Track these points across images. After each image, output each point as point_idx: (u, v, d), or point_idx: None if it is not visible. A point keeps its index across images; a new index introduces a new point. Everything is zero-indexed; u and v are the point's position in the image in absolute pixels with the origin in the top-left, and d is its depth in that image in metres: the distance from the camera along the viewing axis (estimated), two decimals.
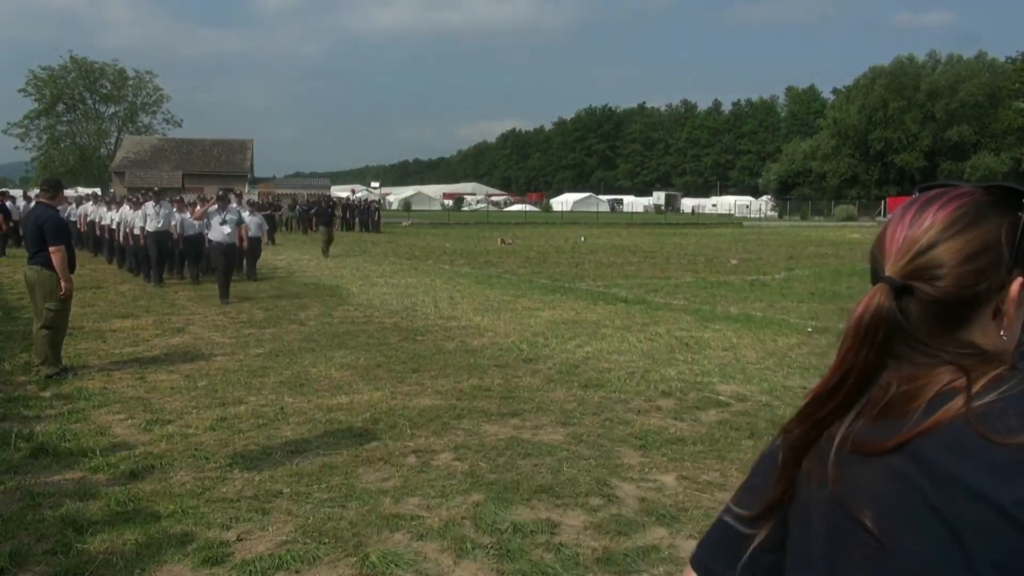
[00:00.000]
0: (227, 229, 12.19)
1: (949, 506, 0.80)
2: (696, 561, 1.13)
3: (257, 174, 63.37)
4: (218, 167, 56.24)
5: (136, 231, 14.59)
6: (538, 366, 7.56)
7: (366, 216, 36.62)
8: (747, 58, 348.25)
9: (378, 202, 44.64)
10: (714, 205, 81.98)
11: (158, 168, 54.18)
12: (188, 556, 3.58)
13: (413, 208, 65.14)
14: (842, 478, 0.88)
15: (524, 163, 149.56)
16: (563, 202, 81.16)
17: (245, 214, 14.08)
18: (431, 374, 7.21)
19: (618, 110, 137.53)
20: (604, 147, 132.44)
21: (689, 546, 3.70)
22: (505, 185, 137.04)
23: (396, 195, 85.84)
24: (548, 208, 77.15)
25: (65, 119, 71.00)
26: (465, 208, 77.30)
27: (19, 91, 67.50)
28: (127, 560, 3.53)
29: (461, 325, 9.94)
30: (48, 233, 7.00)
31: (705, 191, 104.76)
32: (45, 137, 69.96)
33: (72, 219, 20.89)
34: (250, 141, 60.78)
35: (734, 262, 20.71)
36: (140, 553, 3.60)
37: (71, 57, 69.56)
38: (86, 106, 71.67)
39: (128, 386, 6.73)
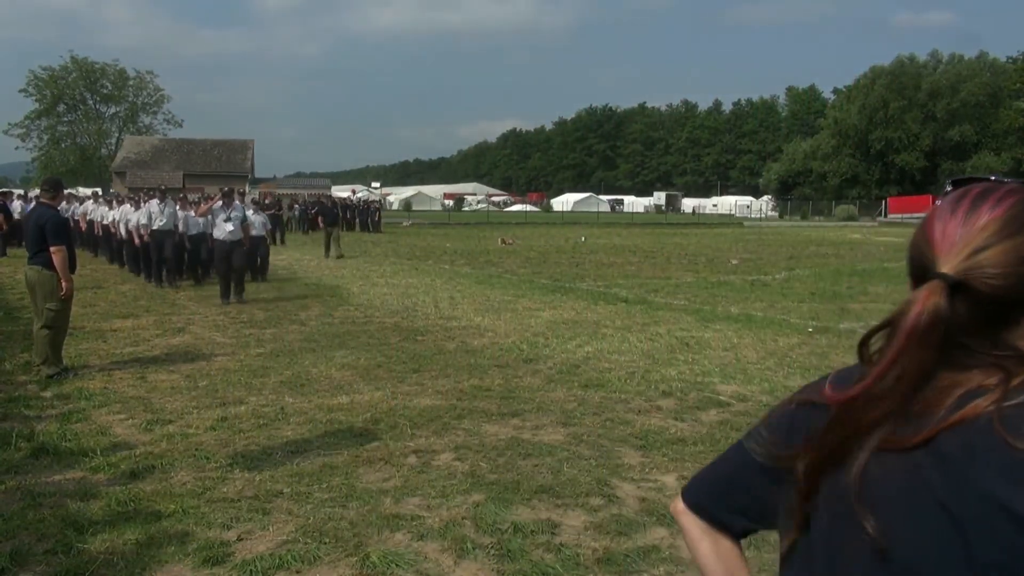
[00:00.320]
0: (231, 227, 12.06)
1: (958, 503, 0.81)
2: (691, 499, 1.14)
3: (258, 174, 63.38)
4: (219, 167, 56.30)
5: (141, 230, 14.37)
6: (538, 366, 7.56)
7: (366, 216, 36.63)
8: (748, 58, 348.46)
9: (379, 202, 44.63)
10: (715, 205, 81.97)
11: (159, 168, 54.23)
12: (189, 556, 3.58)
13: (414, 208, 65.11)
14: (861, 472, 0.88)
15: (525, 163, 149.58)
16: (564, 202, 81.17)
17: (249, 212, 13.83)
18: (431, 374, 7.21)
19: (619, 110, 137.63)
20: (605, 147, 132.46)
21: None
22: (506, 185, 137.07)
23: (397, 195, 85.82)
24: (549, 208, 77.13)
25: (66, 119, 71.14)
26: (466, 208, 77.29)
27: (20, 91, 67.64)
28: (127, 560, 3.53)
29: (461, 325, 9.94)
30: (49, 233, 7.00)
31: (706, 191, 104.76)
32: (46, 137, 70.11)
33: (75, 219, 20.89)
34: (251, 141, 60.87)
35: (735, 262, 20.71)
36: (140, 553, 3.60)
37: (72, 57, 69.75)
38: (87, 106, 71.78)
39: (129, 386, 6.74)
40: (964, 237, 0.87)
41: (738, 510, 1.09)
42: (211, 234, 12.86)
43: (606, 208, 79.62)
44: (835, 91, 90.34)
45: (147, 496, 4.27)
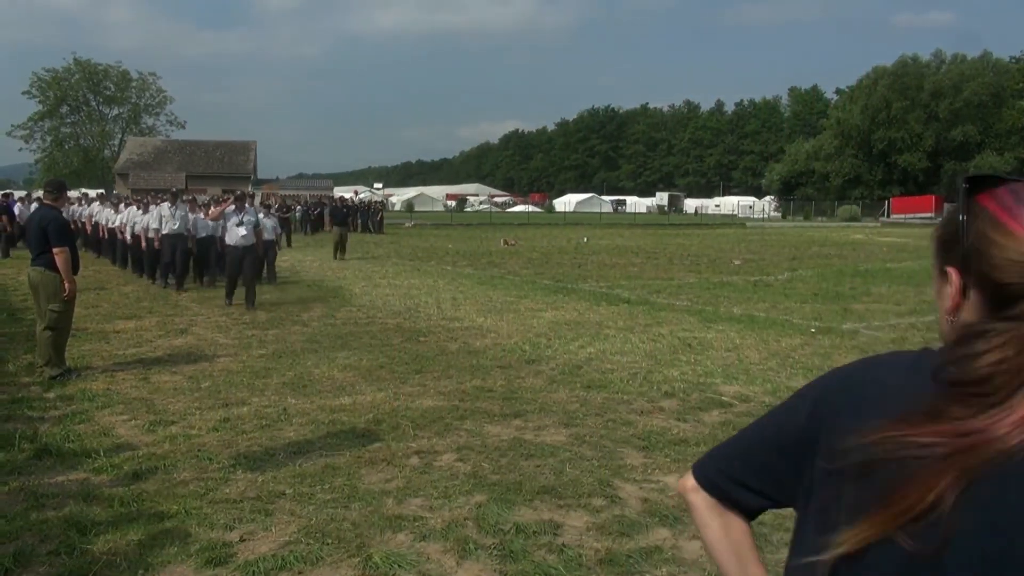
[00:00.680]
0: (243, 231, 11.69)
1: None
2: (704, 475, 1.12)
3: (260, 175, 63.46)
4: (221, 168, 56.40)
5: (151, 233, 14.13)
6: (541, 367, 7.56)
7: (366, 217, 36.60)
8: (750, 58, 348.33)
9: (381, 203, 44.64)
10: (717, 206, 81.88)
11: (161, 170, 54.36)
12: (191, 557, 3.59)
13: (416, 209, 65.13)
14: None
15: (527, 164, 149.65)
16: (566, 203, 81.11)
17: (260, 216, 13.39)
18: (434, 375, 7.21)
19: (621, 111, 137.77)
20: (607, 148, 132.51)
21: (692, 547, 3.70)
22: (508, 186, 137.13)
23: (399, 196, 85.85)
24: (551, 209, 77.14)
25: (69, 121, 71.25)
26: (468, 209, 77.31)
27: (23, 93, 67.77)
28: (130, 561, 3.53)
29: (464, 326, 9.94)
30: (52, 235, 7.02)
31: (708, 192, 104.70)
32: (49, 139, 70.22)
33: (81, 221, 20.89)
34: (253, 142, 60.95)
35: (737, 263, 20.69)
36: (143, 554, 3.60)
37: (75, 59, 69.85)
38: (90, 108, 71.90)
39: (131, 387, 6.75)
40: None
41: (757, 488, 1.07)
42: (220, 237, 12.66)
43: (608, 209, 79.60)
44: (838, 91, 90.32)
45: (150, 497, 4.28)
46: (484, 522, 3.96)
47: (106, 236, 18.92)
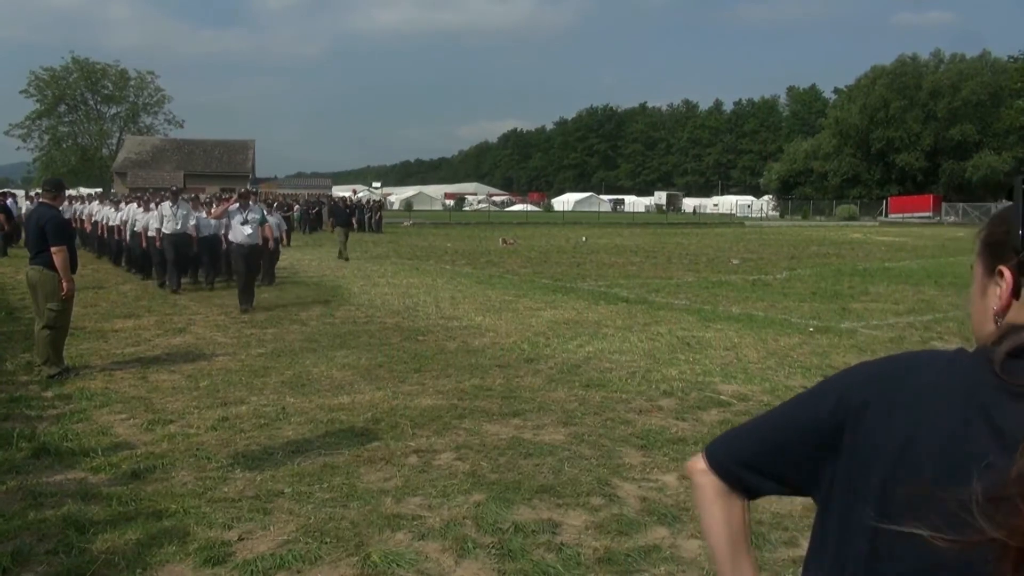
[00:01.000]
0: (248, 230, 11.38)
1: None
2: (718, 459, 1.12)
3: (258, 174, 63.36)
4: (220, 167, 56.38)
5: (152, 232, 13.87)
6: (539, 366, 7.56)
7: (361, 215, 36.51)
8: (748, 58, 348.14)
9: (380, 202, 44.62)
10: (715, 205, 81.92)
11: (160, 168, 54.33)
12: (190, 556, 3.59)
13: (415, 208, 65.12)
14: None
15: (525, 163, 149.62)
16: (564, 202, 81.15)
17: (264, 213, 13.00)
18: (432, 374, 7.21)
19: (619, 110, 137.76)
20: (605, 147, 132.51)
21: (691, 546, 3.70)
22: (506, 185, 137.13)
23: (398, 195, 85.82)
24: (549, 208, 77.13)
25: (67, 120, 71.23)
26: (466, 208, 77.31)
27: (21, 92, 67.68)
28: (129, 560, 3.53)
29: (463, 325, 9.94)
30: (50, 233, 7.01)
31: (707, 191, 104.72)
32: (47, 138, 70.20)
33: (81, 219, 20.83)
34: (251, 141, 60.93)
35: (735, 262, 20.70)
36: (142, 553, 3.60)
37: (73, 58, 69.83)
38: (88, 107, 71.89)
39: (130, 386, 6.74)
40: None
41: (770, 474, 1.07)
42: (224, 235, 12.42)
43: (607, 208, 79.65)
44: (836, 91, 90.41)
45: (148, 496, 4.27)
46: (483, 521, 3.96)
47: (105, 235, 18.73)
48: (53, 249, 6.98)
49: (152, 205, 14.72)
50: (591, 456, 4.98)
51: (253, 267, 11.53)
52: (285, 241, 15.68)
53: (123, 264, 16.94)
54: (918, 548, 0.85)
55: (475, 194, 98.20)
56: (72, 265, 7.18)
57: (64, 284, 7.05)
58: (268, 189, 50.17)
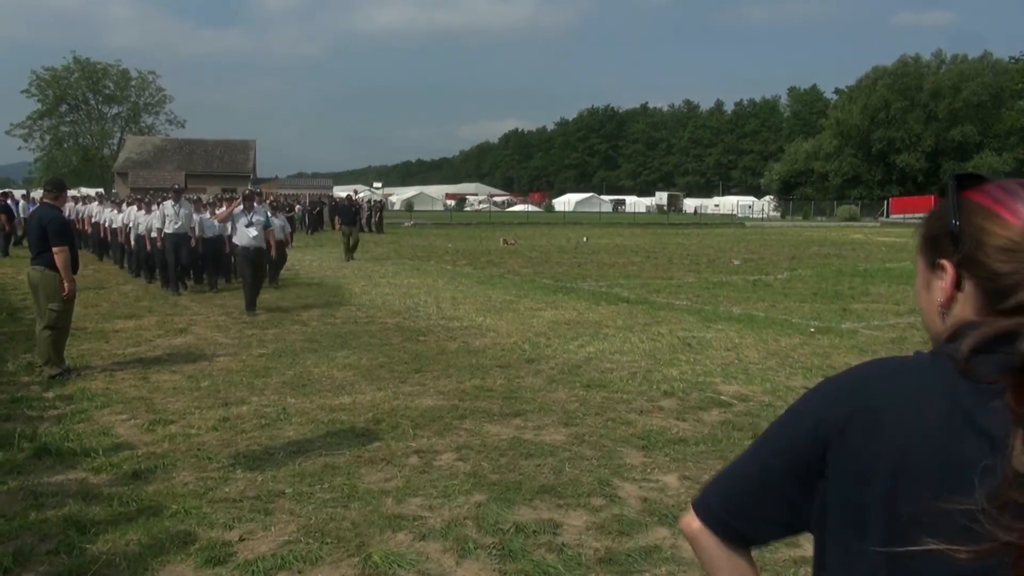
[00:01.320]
0: (253, 232, 11.19)
1: None
2: (710, 514, 1.05)
3: (260, 174, 63.35)
4: (221, 167, 56.35)
5: (153, 233, 13.70)
6: (540, 366, 7.56)
7: (361, 215, 36.43)
8: (749, 58, 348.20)
9: (381, 202, 44.64)
10: (716, 205, 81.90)
11: (161, 168, 54.31)
12: (191, 556, 3.59)
13: (415, 208, 65.16)
14: None
15: (526, 163, 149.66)
16: (565, 202, 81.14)
17: (269, 215, 12.73)
18: (433, 374, 7.21)
19: (620, 110, 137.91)
20: (606, 147, 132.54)
21: (690, 547, 3.70)
22: (507, 185, 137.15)
23: (399, 195, 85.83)
24: (550, 208, 77.15)
25: (68, 120, 71.21)
26: (467, 208, 77.32)
27: (22, 92, 67.69)
28: (130, 560, 3.53)
29: (463, 325, 9.94)
30: (51, 234, 7.01)
31: (707, 191, 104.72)
32: (48, 138, 70.17)
33: (82, 219, 20.83)
34: (252, 141, 60.90)
35: (736, 262, 20.69)
36: (143, 553, 3.60)
37: (74, 58, 69.80)
38: (89, 107, 71.87)
39: (131, 386, 6.74)
40: None
41: (770, 519, 1.02)
42: (229, 237, 12.30)
43: (608, 208, 79.59)
44: (837, 91, 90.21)
45: (149, 496, 4.28)
46: (484, 521, 3.96)
47: (108, 237, 18.59)
48: (55, 249, 6.99)
49: (153, 206, 14.66)
50: (592, 456, 4.98)
51: (259, 271, 11.42)
52: (289, 242, 15.53)
53: (125, 266, 16.82)
54: (935, 563, 0.84)
55: (476, 194, 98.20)
56: (73, 265, 7.19)
57: (65, 284, 7.05)
58: (269, 189, 50.19)
